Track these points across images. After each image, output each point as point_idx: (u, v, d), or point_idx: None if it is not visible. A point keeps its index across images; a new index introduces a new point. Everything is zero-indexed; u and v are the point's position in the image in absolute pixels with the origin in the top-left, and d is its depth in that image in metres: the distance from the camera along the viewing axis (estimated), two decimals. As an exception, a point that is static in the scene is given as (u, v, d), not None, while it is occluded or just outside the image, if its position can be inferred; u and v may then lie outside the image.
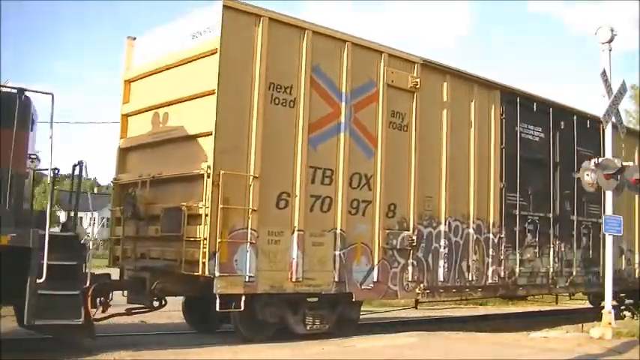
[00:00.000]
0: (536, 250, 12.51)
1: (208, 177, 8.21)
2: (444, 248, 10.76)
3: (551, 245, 12.80)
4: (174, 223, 8.64)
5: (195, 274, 8.23)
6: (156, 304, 9.01)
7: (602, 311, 10.37)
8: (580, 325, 11.28)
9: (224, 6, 8.39)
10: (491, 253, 11.57)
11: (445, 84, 10.99)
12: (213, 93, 8.36)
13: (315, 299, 9.34)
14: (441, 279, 10.71)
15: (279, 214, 8.80)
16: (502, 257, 11.76)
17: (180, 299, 10.18)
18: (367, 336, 9.91)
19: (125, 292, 9.25)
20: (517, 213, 12.10)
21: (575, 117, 13.60)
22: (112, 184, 10.76)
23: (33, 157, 7.96)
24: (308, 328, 9.26)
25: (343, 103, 9.52)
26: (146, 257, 9.23)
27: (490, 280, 11.58)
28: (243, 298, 8.38)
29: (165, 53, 9.55)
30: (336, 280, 9.28)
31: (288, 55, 9.01)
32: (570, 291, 14.03)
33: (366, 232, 9.70)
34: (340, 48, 9.57)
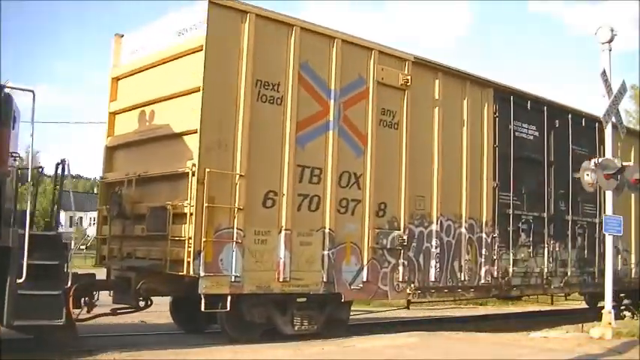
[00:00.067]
0: (530, 249, 12.38)
1: (193, 175, 8.10)
2: (436, 248, 10.63)
3: (546, 245, 12.67)
4: (159, 222, 8.53)
5: (180, 273, 8.12)
6: (142, 304, 8.92)
7: (602, 311, 10.32)
8: (580, 325, 11.22)
9: (210, 2, 8.27)
10: (484, 252, 11.44)
11: (437, 81, 10.86)
12: (199, 90, 8.24)
13: (304, 299, 9.22)
14: (433, 279, 10.58)
15: (266, 213, 8.68)
16: (495, 257, 11.62)
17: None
18: (367, 336, 9.87)
19: (111, 292, 9.15)
20: (510, 212, 11.97)
21: (570, 115, 13.46)
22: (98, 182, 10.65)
23: (15, 155, 7.83)
24: (296, 328, 9.15)
25: (332, 101, 9.40)
26: (132, 257, 9.13)
27: (483, 281, 11.45)
28: (229, 298, 8.27)
29: (153, 50, 9.44)
30: (325, 280, 9.17)
31: (275, 52, 8.88)
32: (565, 291, 13.89)
33: (355, 231, 9.58)
34: (329, 45, 9.45)
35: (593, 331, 9.98)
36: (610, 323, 10.03)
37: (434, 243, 10.60)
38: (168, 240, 8.31)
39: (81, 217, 64.16)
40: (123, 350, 7.70)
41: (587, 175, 10.26)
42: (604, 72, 10.63)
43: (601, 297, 15.72)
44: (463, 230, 11.12)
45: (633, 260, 14.97)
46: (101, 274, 9.69)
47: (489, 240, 11.55)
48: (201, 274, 8.02)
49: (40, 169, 8.45)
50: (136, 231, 9.08)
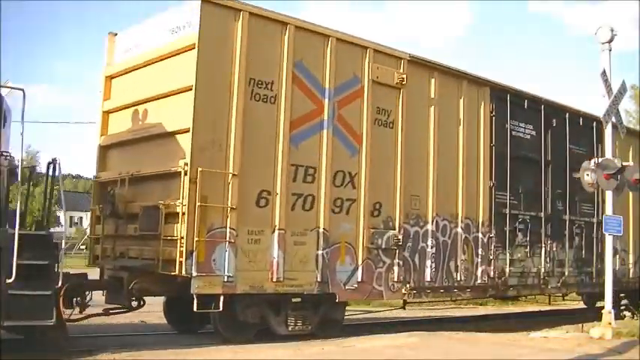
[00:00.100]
0: (527, 249, 12.31)
1: (186, 174, 8.05)
2: (432, 248, 10.56)
3: (543, 245, 12.60)
4: (152, 221, 8.47)
5: (173, 273, 8.06)
6: (134, 304, 8.86)
7: (602, 311, 10.31)
8: (580, 325, 11.20)
9: (203, 0, 8.20)
10: (480, 252, 11.37)
11: (433, 80, 10.79)
12: (191, 89, 8.18)
13: (298, 300, 9.15)
14: (428, 279, 10.52)
15: (260, 212, 8.61)
16: (492, 257, 11.56)
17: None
18: (367, 336, 9.85)
19: (104, 292, 9.09)
20: (507, 212, 11.90)
21: (567, 115, 13.38)
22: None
23: (6, 154, 7.77)
24: (290, 329, 9.08)
25: (326, 100, 9.33)
26: (125, 256, 9.07)
27: (479, 281, 11.38)
28: (222, 298, 8.21)
29: (146, 49, 9.39)
30: (319, 280, 9.10)
31: (269, 51, 8.82)
32: (562, 291, 13.82)
33: (350, 231, 9.51)
34: (324, 43, 9.38)
35: (593, 331, 9.97)
36: (610, 323, 10.03)
37: (429, 243, 10.54)
38: (161, 239, 8.25)
39: (81, 217, 64.15)
40: (123, 350, 7.69)
41: (587, 175, 10.26)
42: (604, 72, 10.61)
43: (599, 297, 15.72)
44: (459, 230, 11.05)
45: (631, 260, 14.89)
46: (95, 274, 9.67)
47: (486, 240, 11.48)
48: (194, 274, 7.96)
49: (32, 169, 8.38)
50: (128, 230, 9.03)
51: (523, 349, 8.84)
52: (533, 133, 12.64)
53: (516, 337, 10.23)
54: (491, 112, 11.76)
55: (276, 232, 8.69)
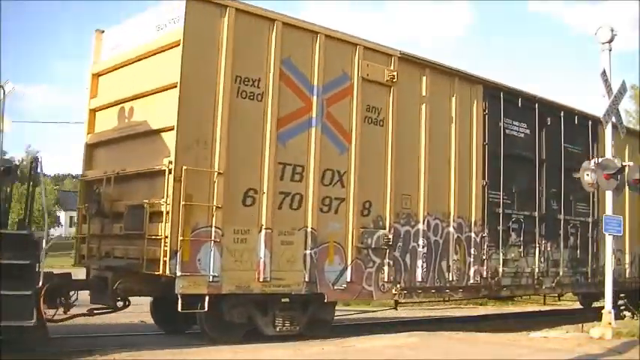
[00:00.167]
0: (521, 249, 12.17)
1: (170, 173, 7.93)
2: (423, 247, 10.43)
3: (537, 245, 12.46)
4: (137, 220, 8.37)
5: (157, 273, 7.95)
6: (120, 304, 8.76)
7: (602, 311, 10.25)
8: (580, 325, 11.14)
9: (188, -4, 8.10)
10: (473, 252, 11.23)
11: (424, 78, 10.66)
12: (176, 86, 8.06)
13: (286, 300, 9.03)
14: (419, 279, 10.39)
15: (246, 211, 8.49)
16: (484, 257, 11.42)
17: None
18: (367, 336, 9.80)
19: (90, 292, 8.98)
20: (500, 211, 11.75)
21: (562, 113, 13.25)
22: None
23: None
24: (278, 329, 8.96)
25: (315, 97, 9.21)
26: (110, 256, 8.96)
27: (472, 281, 11.25)
28: (207, 298, 8.09)
29: (132, 46, 9.27)
30: (307, 280, 8.98)
31: (256, 47, 8.70)
32: (557, 292, 13.68)
33: (339, 230, 9.39)
34: (312, 40, 9.26)
35: (593, 331, 9.92)
36: (610, 323, 9.98)
37: (421, 242, 10.41)
38: (145, 239, 8.14)
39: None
40: (123, 350, 7.65)
41: (587, 175, 10.19)
42: (604, 72, 10.54)
43: (594, 297, 15.64)
44: (451, 229, 10.92)
45: (627, 260, 14.76)
46: (82, 273, 9.57)
47: (478, 239, 11.35)
48: (178, 273, 7.85)
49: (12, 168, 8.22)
50: (114, 230, 8.92)
51: (523, 349, 8.81)
52: (528, 131, 12.50)
53: (516, 337, 10.19)
54: (484, 110, 11.62)
55: (263, 231, 8.57)
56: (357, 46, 9.73)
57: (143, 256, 8.17)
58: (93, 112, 10.08)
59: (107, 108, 9.78)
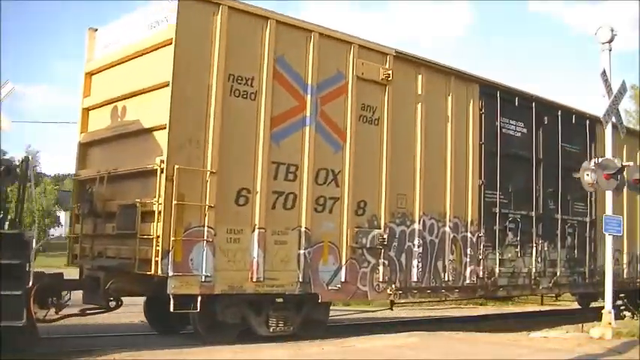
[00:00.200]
0: (518, 249, 12.09)
1: (162, 172, 7.87)
2: (418, 247, 10.36)
3: (534, 244, 12.39)
4: (129, 220, 8.31)
5: (149, 273, 7.88)
6: (112, 304, 8.69)
7: (602, 311, 10.24)
8: (580, 325, 11.13)
9: (180, -7, 8.04)
10: (469, 252, 11.17)
11: (420, 77, 10.59)
12: (168, 85, 8.00)
13: (280, 300, 8.98)
14: (415, 279, 10.32)
15: (239, 211, 8.43)
16: (481, 257, 11.35)
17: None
18: (367, 336, 9.79)
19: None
20: (497, 211, 11.68)
21: (559, 112, 13.17)
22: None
23: None
24: (271, 330, 8.91)
25: (309, 96, 9.15)
26: (103, 256, 8.91)
27: (468, 281, 11.18)
28: (200, 298, 8.03)
29: (125, 44, 9.22)
30: (301, 280, 8.91)
31: (249, 46, 8.64)
32: (554, 292, 13.62)
33: (333, 230, 9.32)
34: (306, 38, 9.20)
35: (593, 331, 9.91)
36: (610, 323, 9.97)
37: (416, 242, 10.34)
38: (137, 239, 8.08)
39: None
40: (123, 350, 7.63)
41: (587, 175, 10.16)
42: (604, 72, 10.52)
43: (592, 297, 15.58)
44: (447, 229, 10.85)
45: (625, 260, 14.69)
46: (75, 273, 9.52)
47: (475, 239, 11.28)
48: (170, 273, 7.79)
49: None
50: (107, 229, 8.86)
51: (523, 349, 8.80)
52: (524, 130, 12.43)
53: (516, 337, 10.18)
54: (481, 110, 11.56)
55: (256, 231, 8.51)
56: (352, 45, 9.67)
57: (135, 255, 8.11)
58: (86, 111, 10.02)
59: (100, 107, 9.72)
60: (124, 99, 9.13)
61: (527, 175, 12.44)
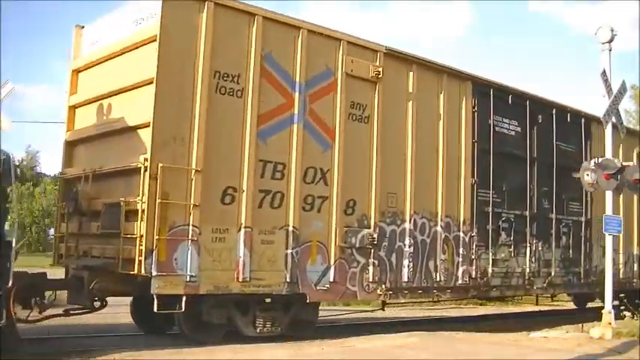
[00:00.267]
0: (512, 249, 11.96)
1: (146, 170, 7.75)
2: (409, 247, 10.23)
3: (528, 244, 12.26)
4: (114, 219, 8.21)
5: (132, 273, 7.77)
6: (97, 304, 8.58)
7: (602, 311, 10.20)
8: (580, 325, 11.09)
9: (165, -11, 7.92)
10: (461, 252, 11.04)
11: (411, 74, 10.46)
12: (153, 82, 7.89)
13: (268, 300, 8.85)
14: (406, 279, 10.19)
15: (225, 210, 8.31)
16: (473, 257, 11.22)
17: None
18: (367, 336, 9.75)
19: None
20: (490, 210, 11.55)
21: (554, 110, 13.04)
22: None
23: None
24: (258, 330, 8.80)
25: (297, 94, 9.03)
26: (88, 255, 8.81)
27: (460, 281, 11.05)
28: (184, 298, 7.91)
29: (111, 41, 9.12)
30: (288, 280, 8.80)
31: (236, 42, 8.53)
32: (549, 292, 13.47)
33: (321, 229, 9.21)
34: (294, 35, 9.08)
35: (593, 331, 9.88)
36: (610, 323, 9.94)
37: (407, 242, 10.21)
38: (122, 238, 7.96)
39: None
40: (123, 350, 7.60)
41: (587, 175, 10.07)
42: (604, 72, 10.46)
43: (588, 297, 15.45)
44: (439, 229, 10.72)
45: (621, 260, 14.54)
46: (61, 273, 9.41)
47: (467, 239, 11.15)
48: (154, 273, 7.68)
49: None
50: (92, 228, 8.77)
51: (523, 349, 8.77)
52: (518, 129, 12.30)
53: (516, 337, 10.13)
54: (474, 108, 11.43)
55: (243, 230, 8.39)
56: (341, 42, 9.55)
57: (119, 255, 8.01)
58: (73, 108, 9.93)
59: (86, 105, 9.63)
60: (110, 96, 9.04)
61: (521, 174, 12.30)
